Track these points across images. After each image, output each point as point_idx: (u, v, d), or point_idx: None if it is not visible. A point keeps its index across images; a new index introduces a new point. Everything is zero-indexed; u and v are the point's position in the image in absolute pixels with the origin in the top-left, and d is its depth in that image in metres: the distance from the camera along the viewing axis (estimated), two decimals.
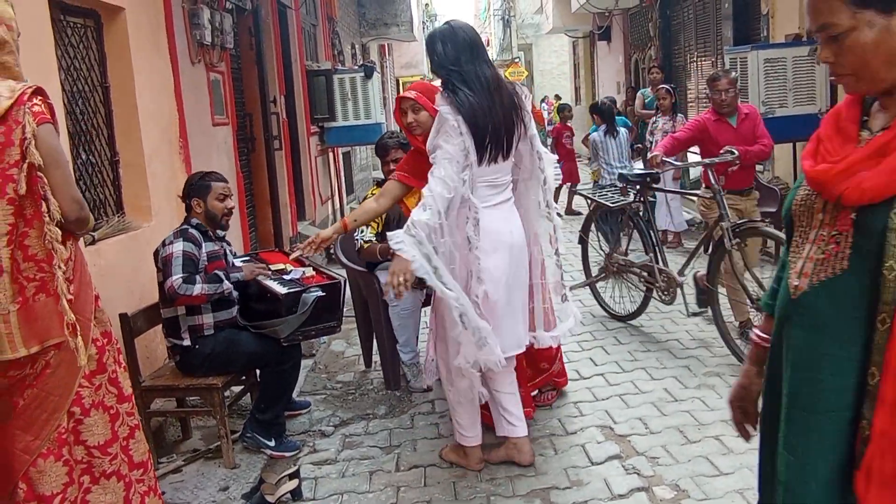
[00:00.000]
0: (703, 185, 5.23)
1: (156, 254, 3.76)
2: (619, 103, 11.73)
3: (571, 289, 4.79)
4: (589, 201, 6.04)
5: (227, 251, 4.00)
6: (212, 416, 3.87)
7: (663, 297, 5.17)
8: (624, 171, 4.80)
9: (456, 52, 3.26)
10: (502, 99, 3.28)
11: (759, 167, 8.94)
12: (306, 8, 9.91)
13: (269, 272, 4.08)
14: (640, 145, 9.77)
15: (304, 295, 3.80)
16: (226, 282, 3.70)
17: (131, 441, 2.70)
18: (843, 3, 1.34)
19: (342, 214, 10.69)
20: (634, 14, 15.09)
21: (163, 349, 4.26)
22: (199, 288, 3.60)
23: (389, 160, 4.58)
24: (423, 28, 26.22)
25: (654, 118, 8.55)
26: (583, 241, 6.06)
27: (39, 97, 2.47)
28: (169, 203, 4.70)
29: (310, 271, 4.14)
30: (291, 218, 8.04)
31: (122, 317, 3.66)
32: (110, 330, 2.70)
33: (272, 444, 3.91)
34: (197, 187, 3.88)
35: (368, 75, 9.49)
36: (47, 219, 2.39)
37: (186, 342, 3.74)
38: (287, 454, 3.89)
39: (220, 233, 3.95)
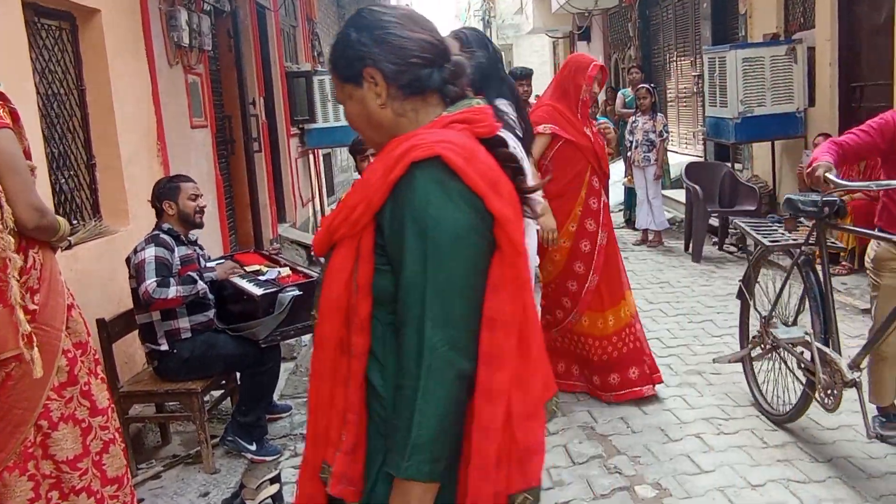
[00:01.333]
0: (877, 226, 3.50)
1: (128, 260, 3.72)
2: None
3: (715, 360, 4.36)
4: (751, 241, 4.14)
5: (200, 255, 3.98)
6: (191, 421, 3.84)
7: (825, 399, 3.42)
8: (794, 197, 3.50)
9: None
10: None
11: (737, 166, 9.04)
12: (285, 9, 9.87)
13: (243, 271, 4.06)
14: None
15: (280, 295, 3.78)
16: (200, 282, 3.67)
17: (105, 455, 2.62)
18: (336, 79, 1.47)
19: (323, 215, 10.66)
20: (614, 14, 15.16)
21: (142, 354, 4.22)
22: (173, 290, 3.57)
23: (366, 157, 4.57)
24: None
25: (634, 118, 8.58)
26: (743, 297, 4.17)
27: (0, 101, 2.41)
28: (146, 206, 4.63)
29: (286, 271, 4.11)
30: (272, 220, 8.00)
31: (100, 322, 3.62)
32: (86, 340, 2.62)
33: (253, 447, 3.88)
34: (166, 189, 3.86)
35: None
36: (0, 226, 2.32)
37: (164, 347, 3.71)
38: (268, 458, 3.87)
39: (192, 236, 3.93)
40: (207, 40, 6.07)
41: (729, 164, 8.52)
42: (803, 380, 3.58)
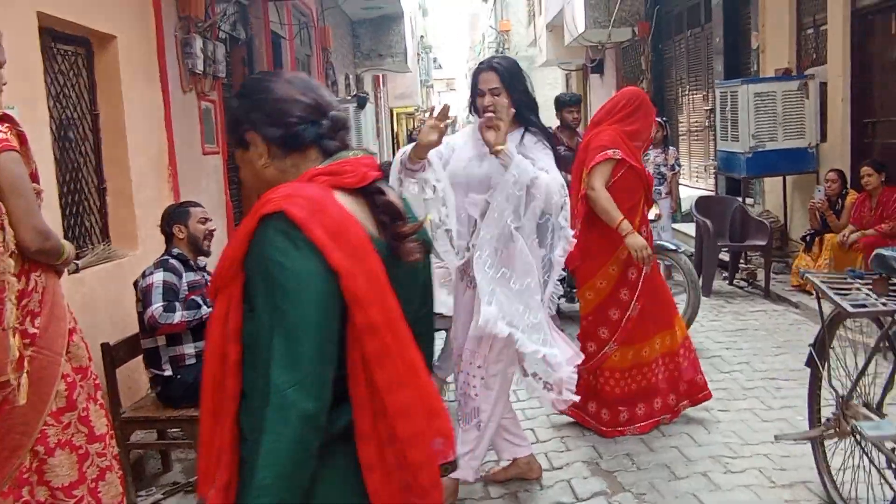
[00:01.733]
0: None
1: (135, 284, 3.73)
2: None
3: (777, 438, 3.54)
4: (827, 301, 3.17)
5: (208, 281, 3.97)
6: (193, 449, 3.81)
7: None
8: (887, 253, 3.10)
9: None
10: None
11: (748, 200, 9.01)
12: (300, 38, 9.98)
13: None
14: None
15: None
16: (204, 307, 3.67)
17: (101, 483, 2.59)
18: (232, 147, 1.54)
19: None
20: (627, 48, 15.25)
21: (145, 380, 4.20)
22: (178, 315, 3.57)
23: None
24: (418, 59, 26.42)
25: (646, 151, 8.58)
26: (814, 366, 3.45)
27: (6, 124, 2.42)
28: (156, 231, 4.65)
29: None
30: None
31: (104, 346, 3.61)
32: (87, 365, 2.60)
33: None
34: (177, 213, 3.87)
35: (361, 106, 9.55)
36: (1, 249, 2.31)
37: (168, 372, 3.70)
38: None
39: (201, 262, 3.93)
40: (222, 68, 6.14)
41: (740, 199, 8.49)
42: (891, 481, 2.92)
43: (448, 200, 3.14)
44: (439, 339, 5.09)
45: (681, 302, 5.48)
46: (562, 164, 3.39)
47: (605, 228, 4.04)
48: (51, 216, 3.60)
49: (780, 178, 8.24)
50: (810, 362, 3.49)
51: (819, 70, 7.79)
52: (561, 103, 7.12)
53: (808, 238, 7.07)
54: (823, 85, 7.67)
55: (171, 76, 5.24)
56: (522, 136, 3.31)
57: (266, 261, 1.37)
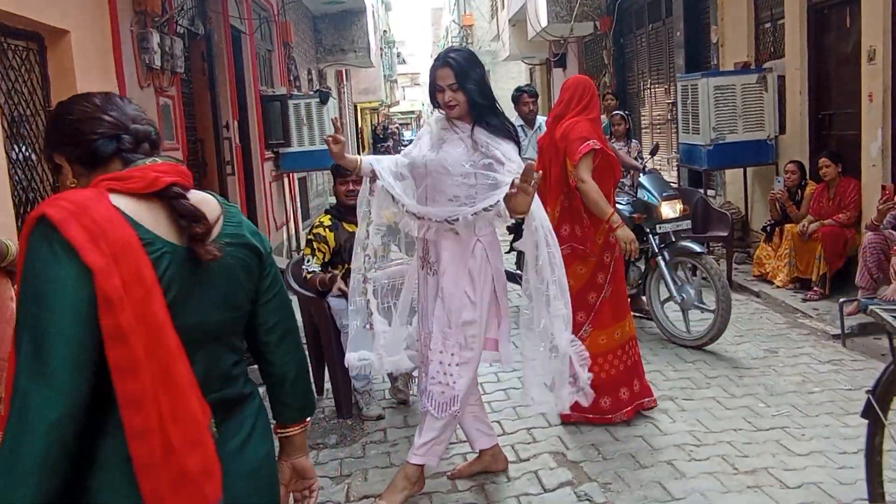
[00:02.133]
0: None
1: None
2: None
3: None
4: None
5: None
6: None
7: None
8: None
9: None
10: None
11: (710, 192, 9.12)
12: (261, 33, 9.87)
13: None
14: None
15: None
16: None
17: None
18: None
19: (297, 240, 10.60)
20: (589, 42, 15.33)
21: None
22: None
23: (349, 180, 4.54)
24: (381, 54, 26.30)
25: (609, 144, 8.63)
26: (874, 417, 2.71)
27: None
28: None
29: None
30: None
31: None
32: None
33: None
34: None
35: (324, 101, 9.47)
36: None
37: None
38: None
39: None
40: (180, 63, 6.04)
41: (702, 191, 8.58)
42: None
43: (396, 192, 3.31)
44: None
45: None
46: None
47: (584, 217, 4.12)
48: (2, 217, 3.52)
49: (741, 170, 8.35)
50: (868, 412, 2.72)
51: (777, 63, 7.90)
52: (518, 91, 7.32)
53: (768, 228, 7.17)
54: (781, 78, 7.78)
55: (128, 72, 5.14)
56: (472, 129, 3.26)
57: (25, 264, 1.37)
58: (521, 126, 7.07)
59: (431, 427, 3.34)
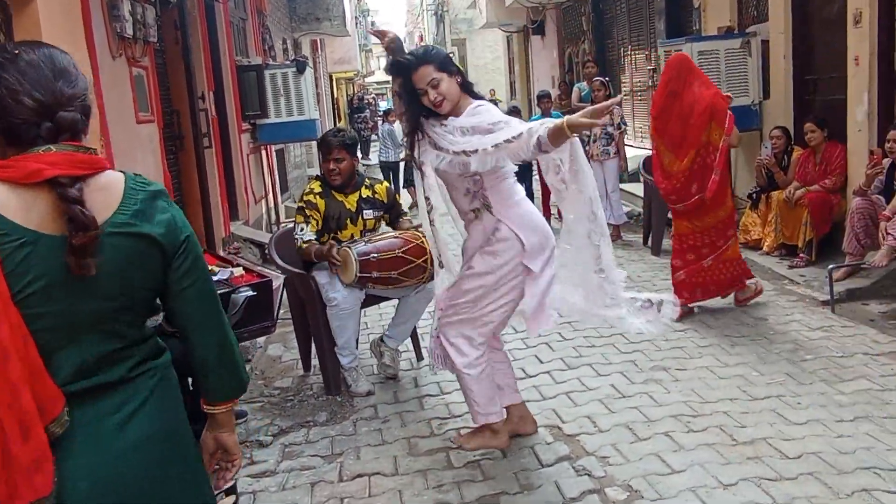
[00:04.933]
0: None
1: None
2: (554, 97, 11.73)
3: None
4: None
5: None
6: None
7: None
8: None
9: None
10: None
11: None
12: (234, 1, 9.61)
13: None
14: None
15: (233, 296, 3.60)
16: None
17: None
18: None
19: (276, 213, 10.43)
20: (567, 8, 15.15)
21: None
22: None
23: (331, 159, 4.44)
24: (356, 23, 25.92)
25: None
26: None
27: None
28: None
29: (239, 271, 3.93)
30: (223, 218, 7.76)
31: None
32: None
33: None
34: None
35: (300, 70, 9.26)
36: None
37: None
38: None
39: None
40: (153, 32, 5.84)
41: None
42: None
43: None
44: (390, 308, 4.98)
45: None
46: None
47: (714, 174, 5.11)
48: None
49: None
50: None
51: (761, 27, 7.81)
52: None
53: (754, 195, 7.12)
54: (765, 43, 7.70)
55: (99, 41, 4.93)
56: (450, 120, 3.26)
57: None
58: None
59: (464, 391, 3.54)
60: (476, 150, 3.07)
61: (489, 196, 3.32)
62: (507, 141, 2.99)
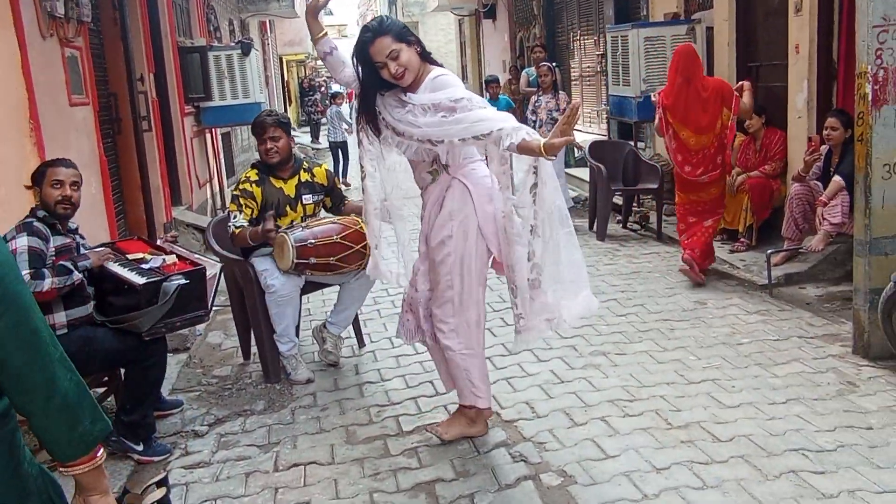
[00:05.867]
0: None
1: None
2: (503, 82, 11.72)
3: None
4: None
5: (81, 245, 3.67)
6: None
7: None
8: None
9: None
10: None
11: (640, 144, 9.14)
12: None
13: (120, 257, 3.75)
14: None
15: (164, 284, 3.52)
16: (75, 272, 3.38)
17: None
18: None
19: (222, 198, 10.26)
20: None
21: None
22: (48, 283, 3.27)
23: (267, 138, 4.35)
24: (305, 4, 25.51)
25: (537, 97, 8.53)
26: None
27: None
28: (19, 192, 4.27)
29: (171, 259, 3.83)
30: (165, 203, 7.61)
31: None
32: None
33: (140, 448, 3.63)
34: (36, 174, 3.54)
35: (246, 52, 9.10)
36: None
37: None
38: (156, 458, 3.62)
39: (72, 224, 3.62)
40: (87, 11, 5.66)
41: (632, 143, 8.57)
42: None
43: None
44: (333, 295, 4.93)
45: None
46: None
47: (728, 150, 6.06)
48: None
49: None
50: None
51: (706, 14, 7.87)
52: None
53: None
54: (710, 30, 7.76)
55: (27, 20, 4.76)
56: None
57: None
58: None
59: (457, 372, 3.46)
60: (443, 141, 3.07)
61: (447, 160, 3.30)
62: (476, 138, 3.02)
